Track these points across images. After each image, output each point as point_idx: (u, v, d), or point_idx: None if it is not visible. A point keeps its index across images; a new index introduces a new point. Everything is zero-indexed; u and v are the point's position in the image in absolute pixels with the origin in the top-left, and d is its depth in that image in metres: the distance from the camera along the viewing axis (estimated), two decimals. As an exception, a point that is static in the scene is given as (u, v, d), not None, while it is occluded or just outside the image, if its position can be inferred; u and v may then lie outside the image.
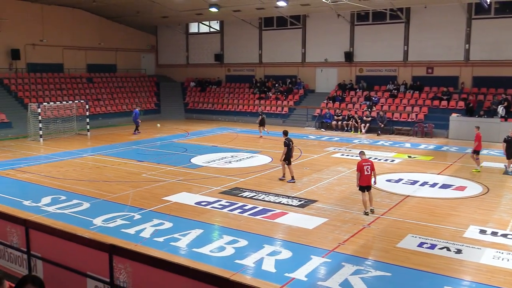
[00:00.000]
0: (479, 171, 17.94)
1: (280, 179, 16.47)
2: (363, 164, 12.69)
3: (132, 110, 31.07)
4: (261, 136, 27.24)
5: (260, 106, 33.29)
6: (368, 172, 12.61)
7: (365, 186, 12.68)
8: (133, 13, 35.99)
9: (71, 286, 7.09)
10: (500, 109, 26.49)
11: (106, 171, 18.27)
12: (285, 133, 17.18)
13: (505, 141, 17.92)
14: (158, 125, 30.75)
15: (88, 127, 28.74)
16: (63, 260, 7.13)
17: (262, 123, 27.68)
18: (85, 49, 37.58)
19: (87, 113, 29.18)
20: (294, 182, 16.06)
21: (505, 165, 18.09)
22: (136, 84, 40.34)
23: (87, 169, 18.62)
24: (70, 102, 30.17)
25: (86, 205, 13.43)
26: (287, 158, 16.44)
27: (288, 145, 16.44)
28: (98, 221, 11.94)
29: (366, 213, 12.56)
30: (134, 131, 28.72)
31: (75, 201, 13.73)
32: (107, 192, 14.86)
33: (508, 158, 17.85)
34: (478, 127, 18.94)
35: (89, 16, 37.57)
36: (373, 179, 12.85)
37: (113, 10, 36.23)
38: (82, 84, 36.25)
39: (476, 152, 18.25)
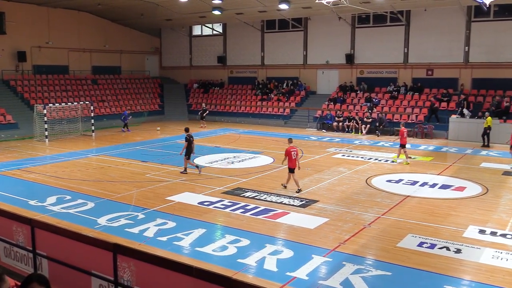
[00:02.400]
0: (408, 163, 19.39)
1: (182, 173, 17.51)
2: (291, 150, 14.91)
3: (135, 111, 31.41)
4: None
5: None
6: (294, 157, 14.81)
7: (292, 168, 14.85)
8: (137, 15, 36.05)
9: (76, 284, 7.09)
10: (465, 111, 27.02)
11: (110, 171, 18.29)
12: (187, 130, 18.22)
13: None
14: (158, 128, 30.84)
15: (93, 128, 28.78)
16: (68, 259, 7.13)
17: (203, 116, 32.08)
18: (90, 51, 37.64)
19: (92, 114, 29.21)
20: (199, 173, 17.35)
21: None
22: (140, 85, 40.37)
23: (91, 169, 18.64)
24: (75, 103, 30.21)
25: (90, 204, 13.44)
26: (188, 153, 17.41)
27: (189, 140, 17.46)
28: (102, 220, 11.95)
29: (298, 191, 14.69)
30: (123, 127, 30.13)
31: (80, 201, 13.75)
32: (111, 192, 14.88)
33: None
34: (403, 124, 20.85)
35: (94, 19, 37.63)
36: (298, 163, 14.98)
37: (118, 13, 36.28)
38: (87, 85, 36.31)
39: (402, 146, 19.61)
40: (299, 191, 14.76)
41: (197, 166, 17.74)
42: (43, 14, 33.99)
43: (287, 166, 15.09)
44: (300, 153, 21.50)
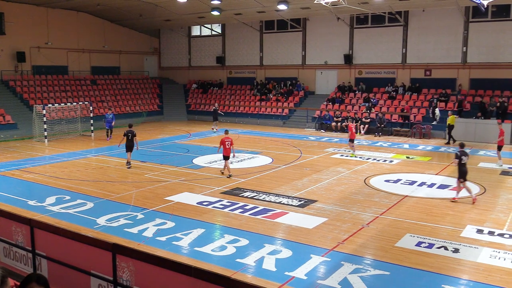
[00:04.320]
0: (354, 156, 21.17)
1: (128, 167, 18.51)
2: (225, 140, 16.99)
3: (134, 112, 30.96)
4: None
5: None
6: (228, 146, 16.88)
7: (226, 156, 16.95)
8: (136, 16, 36.04)
9: (75, 284, 7.09)
10: (437, 111, 27.68)
11: (109, 172, 18.29)
12: (130, 125, 19.30)
13: None
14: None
15: (92, 128, 28.77)
16: (67, 259, 7.12)
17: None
18: (89, 51, 37.63)
19: (91, 115, 29.20)
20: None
21: None
22: (139, 86, 40.36)
23: (91, 170, 18.64)
24: (75, 103, 30.22)
25: (90, 205, 13.45)
26: (126, 147, 18.68)
27: (127, 135, 18.56)
28: (101, 220, 11.95)
29: (229, 176, 16.71)
30: (108, 134, 26.87)
31: (79, 201, 13.75)
32: (110, 192, 14.88)
33: None
34: (351, 121, 23.34)
35: (93, 19, 37.62)
36: (232, 152, 17.03)
37: (117, 13, 36.26)
38: (86, 86, 36.30)
39: (351, 140, 21.40)
40: (229, 176, 16.75)
41: (127, 163, 18.88)
42: (42, 15, 33.97)
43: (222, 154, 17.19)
44: (299, 153, 21.60)
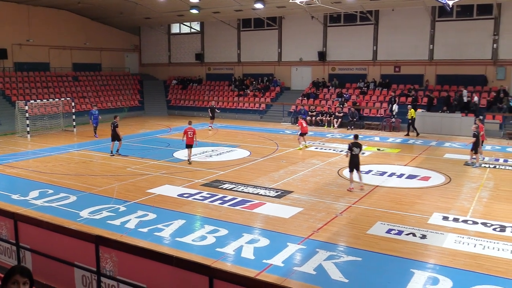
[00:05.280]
0: (301, 149, 21.24)
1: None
2: (187, 130, 17.96)
3: (116, 107, 30.42)
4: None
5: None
6: (191, 136, 17.86)
7: (189, 145, 17.96)
8: (117, 14, 35.48)
9: (59, 275, 7.01)
10: (395, 107, 28.31)
11: (92, 166, 18.05)
12: (114, 117, 20.36)
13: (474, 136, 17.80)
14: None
15: (74, 123, 28.30)
16: (51, 251, 7.03)
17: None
18: (70, 48, 36.91)
19: (73, 110, 28.72)
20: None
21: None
22: (120, 82, 39.80)
23: (73, 164, 18.35)
24: (57, 99, 29.67)
25: (72, 198, 13.26)
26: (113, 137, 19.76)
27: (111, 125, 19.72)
28: (84, 213, 11.80)
29: (189, 162, 17.81)
30: (95, 132, 25.64)
31: (62, 195, 13.54)
32: (93, 185, 14.69)
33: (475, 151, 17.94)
34: (301, 116, 24.84)
35: (74, 17, 36.86)
36: (195, 142, 18.14)
37: (98, 11, 35.62)
38: (68, 82, 35.63)
39: (302, 134, 21.54)
40: (189, 162, 17.90)
41: (111, 151, 19.96)
42: (24, 12, 33.13)
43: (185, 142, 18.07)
44: (275, 147, 21.68)
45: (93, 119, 25.45)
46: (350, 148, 14.05)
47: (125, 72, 41.87)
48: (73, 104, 28.91)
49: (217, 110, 30.20)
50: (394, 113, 28.35)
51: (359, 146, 14.17)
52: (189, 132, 17.91)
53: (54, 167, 17.71)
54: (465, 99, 27.17)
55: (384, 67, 32.03)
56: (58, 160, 19.02)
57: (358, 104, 30.45)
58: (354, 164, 14.07)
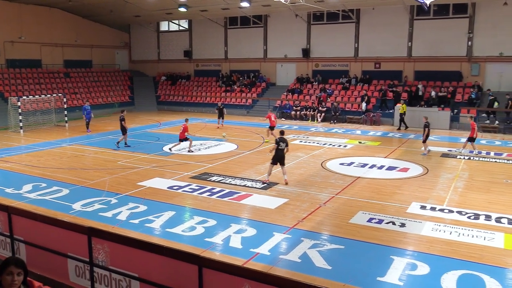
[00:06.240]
0: (268, 141, 21.04)
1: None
2: (182, 126, 18.62)
3: (107, 102, 30.10)
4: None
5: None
6: (181, 130, 18.63)
7: (181, 139, 18.66)
8: (107, 12, 35.02)
9: (52, 266, 6.95)
10: (364, 105, 28.78)
11: (84, 160, 17.88)
12: (122, 111, 20.87)
13: (425, 126, 18.72)
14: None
15: (66, 119, 27.95)
16: (45, 242, 6.96)
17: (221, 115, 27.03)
18: (62, 45, 36.37)
19: (65, 106, 28.36)
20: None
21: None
22: (111, 78, 39.38)
23: (66, 158, 18.16)
24: (49, 95, 29.25)
25: (65, 191, 13.12)
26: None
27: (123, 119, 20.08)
28: (77, 206, 11.70)
29: (170, 150, 18.91)
30: (87, 127, 25.16)
31: (55, 188, 13.40)
32: (85, 179, 14.56)
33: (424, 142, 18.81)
34: (271, 110, 25.81)
35: (65, 15, 36.29)
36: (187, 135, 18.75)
37: (88, 9, 35.14)
38: (59, 78, 35.15)
39: (271, 128, 21.34)
40: (170, 150, 19.01)
41: (117, 143, 20.39)
42: (15, 10, 32.55)
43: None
44: (261, 140, 21.70)
45: (86, 114, 25.09)
46: (277, 143, 13.88)
47: (116, 68, 41.43)
48: (64, 100, 28.54)
49: (224, 112, 27.45)
50: (363, 109, 28.67)
51: (284, 141, 13.98)
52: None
53: (47, 161, 17.51)
54: (420, 93, 28.17)
55: (365, 64, 32.18)
56: (50, 155, 18.80)
57: (322, 99, 30.45)
58: (278, 158, 13.91)
